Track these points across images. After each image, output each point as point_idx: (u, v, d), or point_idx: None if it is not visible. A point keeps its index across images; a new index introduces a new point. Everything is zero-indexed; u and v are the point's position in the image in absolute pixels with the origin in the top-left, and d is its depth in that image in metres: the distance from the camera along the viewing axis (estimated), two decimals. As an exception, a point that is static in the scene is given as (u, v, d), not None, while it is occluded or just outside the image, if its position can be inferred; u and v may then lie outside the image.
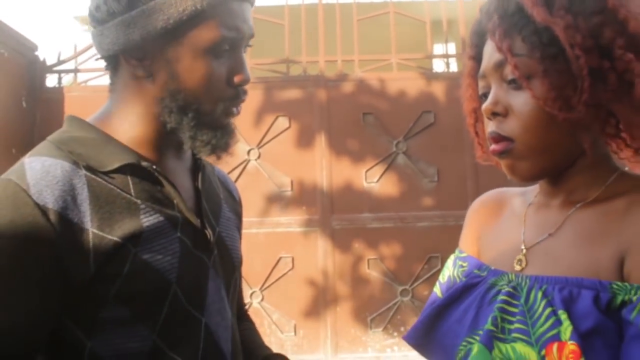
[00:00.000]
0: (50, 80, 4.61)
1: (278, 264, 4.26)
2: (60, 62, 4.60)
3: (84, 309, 0.81)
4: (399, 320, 4.20)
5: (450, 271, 0.96)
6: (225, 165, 4.02)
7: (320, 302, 4.24)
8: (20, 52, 4.42)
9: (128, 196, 0.85)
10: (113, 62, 0.92)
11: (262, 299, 4.23)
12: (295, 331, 4.21)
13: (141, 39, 0.85)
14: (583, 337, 0.68)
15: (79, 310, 0.81)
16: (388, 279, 4.22)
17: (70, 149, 0.85)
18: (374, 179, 4.33)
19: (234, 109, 0.94)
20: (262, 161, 4.35)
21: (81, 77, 4.62)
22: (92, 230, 0.80)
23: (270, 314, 4.21)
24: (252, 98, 4.38)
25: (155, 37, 0.85)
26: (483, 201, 1.01)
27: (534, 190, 0.92)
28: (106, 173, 0.85)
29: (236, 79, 0.90)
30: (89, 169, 0.84)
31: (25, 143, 4.34)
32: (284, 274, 4.25)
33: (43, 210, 0.77)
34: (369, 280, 4.24)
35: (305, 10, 4.47)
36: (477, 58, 0.87)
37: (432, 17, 4.46)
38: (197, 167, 1.00)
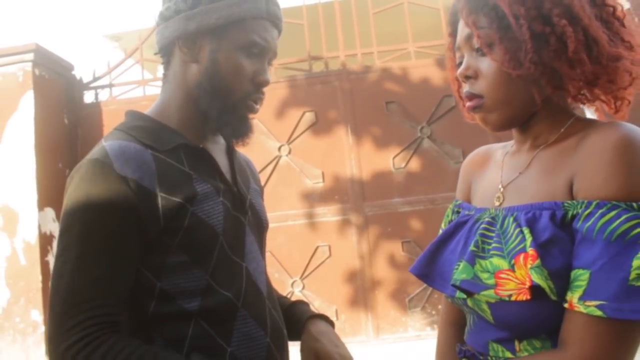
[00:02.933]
0: (88, 97, 4.89)
1: (316, 252, 4.45)
2: (95, 79, 4.88)
3: (155, 257, 1.03)
4: (437, 299, 4.34)
5: (449, 217, 1.17)
6: (258, 162, 4.30)
7: (358, 287, 4.41)
8: (59, 73, 4.71)
9: (183, 169, 1.08)
10: (169, 52, 1.16)
11: (303, 288, 4.43)
12: (337, 316, 4.39)
13: (196, 30, 1.10)
14: (541, 246, 0.84)
15: (150, 259, 1.03)
16: (423, 260, 4.35)
17: (136, 135, 1.08)
18: (401, 165, 4.48)
19: (254, 105, 1.16)
20: (292, 156, 4.55)
21: (115, 91, 4.89)
22: (160, 194, 1.02)
23: (312, 302, 4.40)
24: (279, 97, 4.58)
25: (207, 30, 1.10)
26: (472, 156, 1.20)
27: (512, 142, 1.09)
28: (165, 152, 1.08)
29: (259, 79, 1.13)
30: (152, 148, 1.06)
31: (70, 157, 4.62)
32: (322, 262, 4.45)
33: (124, 180, 0.99)
34: (405, 263, 4.39)
35: (322, 9, 4.66)
36: (454, 34, 1.06)
37: (446, 4, 4.59)
38: (229, 149, 1.24)
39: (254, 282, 1.13)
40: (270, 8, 1.14)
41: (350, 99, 4.58)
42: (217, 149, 1.21)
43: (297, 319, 1.24)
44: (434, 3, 4.62)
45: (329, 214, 4.49)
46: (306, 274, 4.44)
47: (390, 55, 4.72)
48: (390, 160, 4.49)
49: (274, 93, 4.59)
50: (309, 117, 4.59)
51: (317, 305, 4.40)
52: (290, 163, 4.55)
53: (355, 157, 4.52)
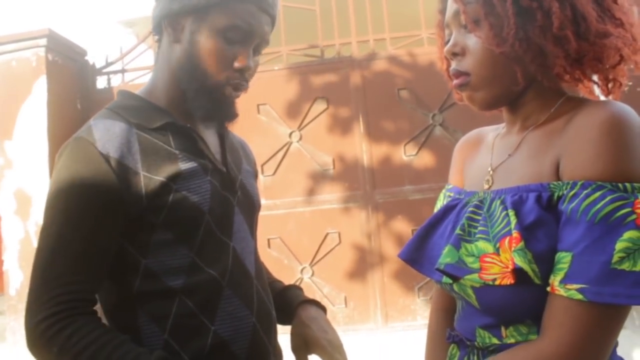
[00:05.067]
0: (101, 82, 4.91)
1: (325, 239, 4.45)
2: (108, 65, 4.90)
3: (139, 235, 1.03)
4: (447, 288, 4.30)
5: (441, 202, 1.14)
6: (269, 148, 4.31)
7: (368, 274, 4.40)
8: (72, 58, 4.73)
9: (169, 148, 1.08)
10: (159, 32, 1.17)
11: (312, 274, 4.43)
12: (345, 303, 4.39)
13: (179, 10, 1.09)
14: (526, 229, 0.81)
15: (135, 236, 1.03)
16: (433, 248, 4.33)
17: (123, 113, 1.09)
18: (412, 152, 4.45)
19: (232, 90, 1.13)
20: (303, 142, 4.54)
21: (128, 76, 4.90)
22: (143, 173, 1.02)
23: (321, 288, 4.41)
24: (290, 83, 4.57)
25: (189, 11, 1.09)
26: (465, 140, 1.18)
27: (503, 124, 1.07)
28: (151, 130, 1.08)
29: (238, 64, 1.09)
30: (139, 127, 1.07)
31: (83, 142, 4.64)
32: (332, 249, 4.43)
33: (106, 159, 1.00)
34: (414, 250, 4.36)
35: (334, -6, 4.62)
36: (444, 11, 1.03)
37: (460, -10, 4.52)
38: (221, 129, 1.24)
39: (241, 261, 1.13)
40: None
41: (362, 86, 4.55)
42: (208, 129, 1.21)
43: (288, 303, 1.24)
44: (447, -11, 4.54)
45: (339, 201, 4.48)
46: (316, 260, 4.44)
47: (403, 42, 4.67)
48: (402, 147, 4.46)
49: (285, 79, 4.58)
50: (320, 103, 4.56)
51: (326, 292, 4.40)
52: (301, 149, 4.53)
53: (366, 144, 4.50)
